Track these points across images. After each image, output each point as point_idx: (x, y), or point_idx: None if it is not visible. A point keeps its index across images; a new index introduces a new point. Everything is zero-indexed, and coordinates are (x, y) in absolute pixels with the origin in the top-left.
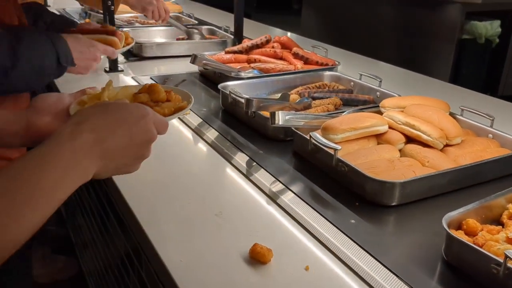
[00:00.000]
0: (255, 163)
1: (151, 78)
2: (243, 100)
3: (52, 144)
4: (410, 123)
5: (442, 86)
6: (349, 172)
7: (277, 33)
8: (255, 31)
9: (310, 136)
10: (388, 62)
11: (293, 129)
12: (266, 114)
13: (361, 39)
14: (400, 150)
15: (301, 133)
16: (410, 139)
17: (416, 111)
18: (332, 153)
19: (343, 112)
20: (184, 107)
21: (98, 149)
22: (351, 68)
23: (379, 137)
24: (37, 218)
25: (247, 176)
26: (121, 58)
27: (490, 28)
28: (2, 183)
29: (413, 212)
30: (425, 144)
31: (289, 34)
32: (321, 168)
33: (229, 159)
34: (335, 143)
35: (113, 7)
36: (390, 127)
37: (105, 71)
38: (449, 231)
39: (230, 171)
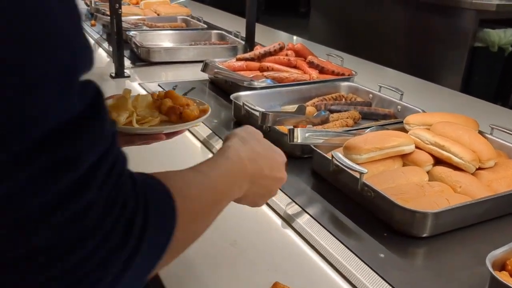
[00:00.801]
0: None
1: (159, 85)
2: (257, 114)
3: (233, 159)
4: (439, 143)
5: (466, 100)
6: (376, 198)
7: (286, 38)
8: (264, 36)
9: (332, 156)
10: (398, 68)
11: (313, 147)
12: (282, 129)
13: (370, 44)
14: (427, 172)
15: (321, 152)
16: (438, 160)
17: (445, 130)
18: (357, 176)
19: (364, 129)
20: (207, 109)
21: (253, 170)
22: (367, 78)
23: (405, 157)
24: (212, 220)
25: None
26: (127, 63)
27: (504, 36)
28: (201, 181)
29: (447, 245)
30: (454, 167)
31: (295, 38)
32: (343, 191)
33: None
34: (359, 163)
35: (120, 10)
36: (416, 147)
37: (111, 76)
38: (494, 274)
39: None
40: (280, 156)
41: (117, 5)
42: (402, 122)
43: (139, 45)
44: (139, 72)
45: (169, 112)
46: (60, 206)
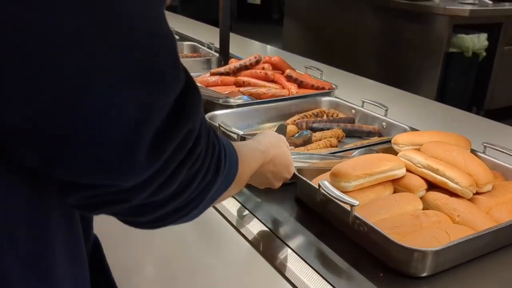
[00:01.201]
0: (247, 212)
1: None
2: (235, 136)
3: (264, 154)
4: (432, 167)
5: (454, 114)
6: (369, 233)
7: (260, 47)
8: (238, 46)
9: (320, 186)
10: (374, 75)
11: (296, 173)
12: None
13: (344, 51)
14: (421, 198)
15: (306, 180)
16: (431, 184)
17: (437, 151)
18: (348, 208)
19: (351, 150)
20: None
21: (267, 169)
22: (348, 90)
23: (396, 182)
24: (237, 190)
25: (237, 228)
26: None
27: (477, 41)
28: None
29: (448, 285)
30: (449, 191)
31: (269, 48)
32: (332, 224)
33: (215, 206)
34: (348, 191)
35: None
36: (408, 170)
37: None
38: None
39: (217, 222)
40: (288, 173)
41: None
42: (389, 141)
43: None
44: None
45: None
46: (187, 160)
